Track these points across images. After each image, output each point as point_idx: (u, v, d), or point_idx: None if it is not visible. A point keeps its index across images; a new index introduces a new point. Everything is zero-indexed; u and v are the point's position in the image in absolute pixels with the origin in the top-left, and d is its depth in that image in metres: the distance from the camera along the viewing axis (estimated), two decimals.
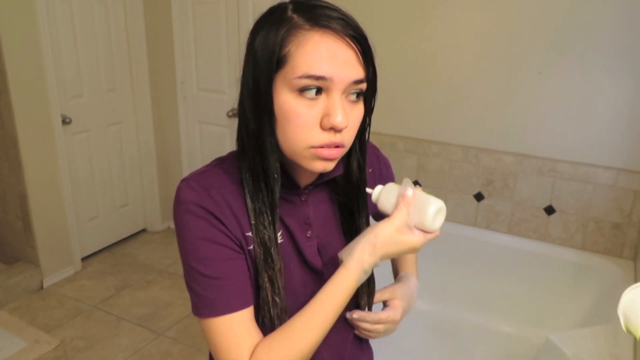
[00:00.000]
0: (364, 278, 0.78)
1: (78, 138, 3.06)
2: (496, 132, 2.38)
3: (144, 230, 3.63)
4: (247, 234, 0.78)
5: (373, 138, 1.05)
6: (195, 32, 3.14)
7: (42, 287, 2.91)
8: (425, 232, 0.76)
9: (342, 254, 0.77)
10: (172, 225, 3.64)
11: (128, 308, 2.76)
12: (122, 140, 3.34)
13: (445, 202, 2.88)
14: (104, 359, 2.38)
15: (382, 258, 0.76)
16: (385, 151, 1.06)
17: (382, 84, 2.89)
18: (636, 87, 2.07)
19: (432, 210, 0.73)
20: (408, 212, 0.74)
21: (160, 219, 3.62)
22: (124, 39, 3.22)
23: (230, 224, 0.76)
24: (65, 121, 2.92)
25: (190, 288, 0.78)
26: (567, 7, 2.11)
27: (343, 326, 0.92)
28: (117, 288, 2.94)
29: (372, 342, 1.08)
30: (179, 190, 0.77)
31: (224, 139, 3.22)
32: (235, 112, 3.12)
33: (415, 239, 0.74)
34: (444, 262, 2.44)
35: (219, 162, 0.82)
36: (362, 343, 1.02)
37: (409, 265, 1.06)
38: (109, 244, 3.39)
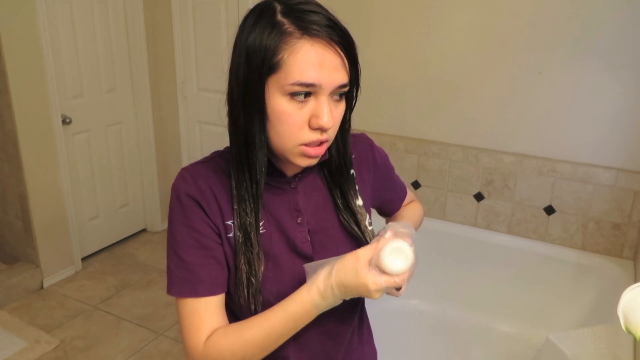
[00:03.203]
0: (322, 302, 0.76)
1: (78, 138, 3.06)
2: (496, 132, 2.38)
3: (144, 230, 3.63)
4: (228, 222, 0.83)
5: (373, 138, 1.05)
6: (195, 32, 3.14)
7: (42, 287, 2.91)
8: (383, 273, 0.73)
9: (306, 266, 0.80)
10: None
11: (128, 308, 2.76)
12: (122, 141, 3.34)
13: (445, 202, 2.86)
14: (104, 359, 2.38)
15: (339, 286, 0.74)
16: (385, 151, 1.06)
17: (382, 84, 2.88)
18: (636, 87, 2.07)
19: (388, 248, 0.71)
20: (375, 249, 0.73)
21: (161, 219, 3.61)
22: (124, 39, 3.22)
23: (211, 212, 0.82)
24: (65, 121, 2.92)
25: (167, 266, 0.85)
26: (567, 7, 2.11)
27: (342, 318, 0.94)
28: (117, 288, 2.94)
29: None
30: (175, 179, 0.85)
31: (224, 139, 3.20)
32: None
33: (370, 275, 0.72)
34: (444, 262, 2.44)
35: (216, 154, 0.90)
36: (363, 343, 1.03)
37: (405, 218, 1.07)
38: (109, 244, 3.39)
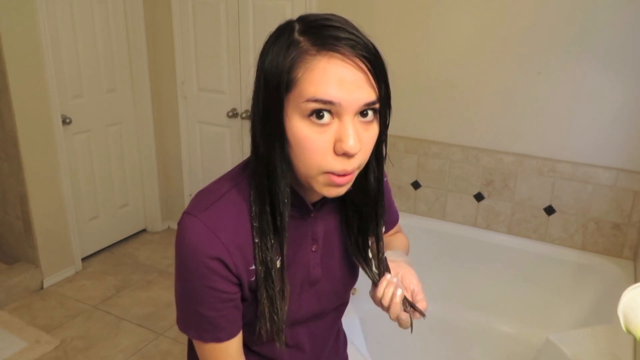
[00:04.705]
0: None
1: (78, 138, 3.06)
2: (496, 132, 2.38)
3: (144, 231, 3.63)
4: (251, 267, 0.78)
5: None
6: (195, 32, 3.14)
7: (42, 287, 2.91)
8: None
9: None
10: (172, 225, 3.64)
11: (128, 308, 2.76)
12: (123, 141, 3.34)
13: (445, 202, 2.87)
14: (104, 359, 2.38)
15: None
16: (385, 172, 1.04)
17: None
18: (636, 87, 2.07)
19: None
20: None
21: (161, 219, 3.62)
22: (124, 39, 3.22)
23: (235, 265, 0.76)
24: (66, 121, 2.92)
25: (179, 305, 0.81)
26: (567, 7, 2.11)
27: (329, 323, 0.97)
28: (117, 288, 2.94)
29: (372, 341, 1.09)
30: (183, 227, 0.76)
31: (224, 139, 3.22)
32: (234, 112, 3.12)
33: None
34: (444, 262, 2.44)
35: (225, 189, 0.80)
36: (339, 331, 1.07)
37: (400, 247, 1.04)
38: (109, 244, 3.39)
